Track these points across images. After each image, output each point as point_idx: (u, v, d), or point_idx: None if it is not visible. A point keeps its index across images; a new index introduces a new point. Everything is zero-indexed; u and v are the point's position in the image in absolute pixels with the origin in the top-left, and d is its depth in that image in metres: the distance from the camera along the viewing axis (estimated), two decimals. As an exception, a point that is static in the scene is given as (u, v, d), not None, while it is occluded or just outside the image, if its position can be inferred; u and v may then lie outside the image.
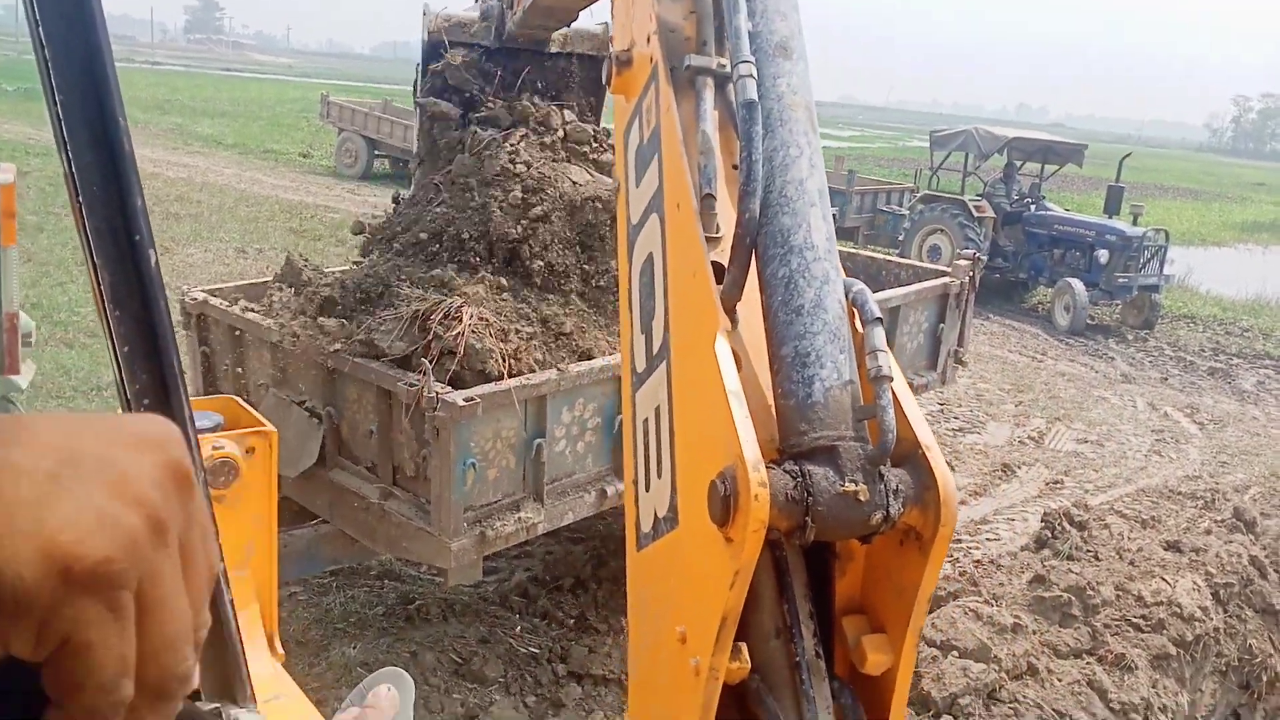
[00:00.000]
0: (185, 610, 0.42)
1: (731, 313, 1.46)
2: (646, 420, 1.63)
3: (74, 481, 0.39)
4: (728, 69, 1.58)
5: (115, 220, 0.84)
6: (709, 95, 1.57)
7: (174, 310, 5.81)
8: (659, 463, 1.55)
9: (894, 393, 1.30)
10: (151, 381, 0.89)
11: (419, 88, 4.59)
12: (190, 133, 25.71)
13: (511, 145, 4.20)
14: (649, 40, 1.73)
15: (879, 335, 1.33)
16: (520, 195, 4.01)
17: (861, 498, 1.24)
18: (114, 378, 0.90)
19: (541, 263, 3.98)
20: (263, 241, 12.24)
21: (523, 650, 4.25)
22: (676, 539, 1.46)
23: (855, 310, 1.40)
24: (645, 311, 1.66)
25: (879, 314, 1.37)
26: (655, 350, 1.61)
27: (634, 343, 1.71)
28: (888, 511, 1.26)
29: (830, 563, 1.41)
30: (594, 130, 4.60)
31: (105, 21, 0.79)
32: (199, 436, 0.95)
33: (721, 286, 1.43)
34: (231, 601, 1.06)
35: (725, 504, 1.23)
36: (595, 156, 4.48)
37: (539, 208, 4.01)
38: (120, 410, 0.95)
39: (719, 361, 1.34)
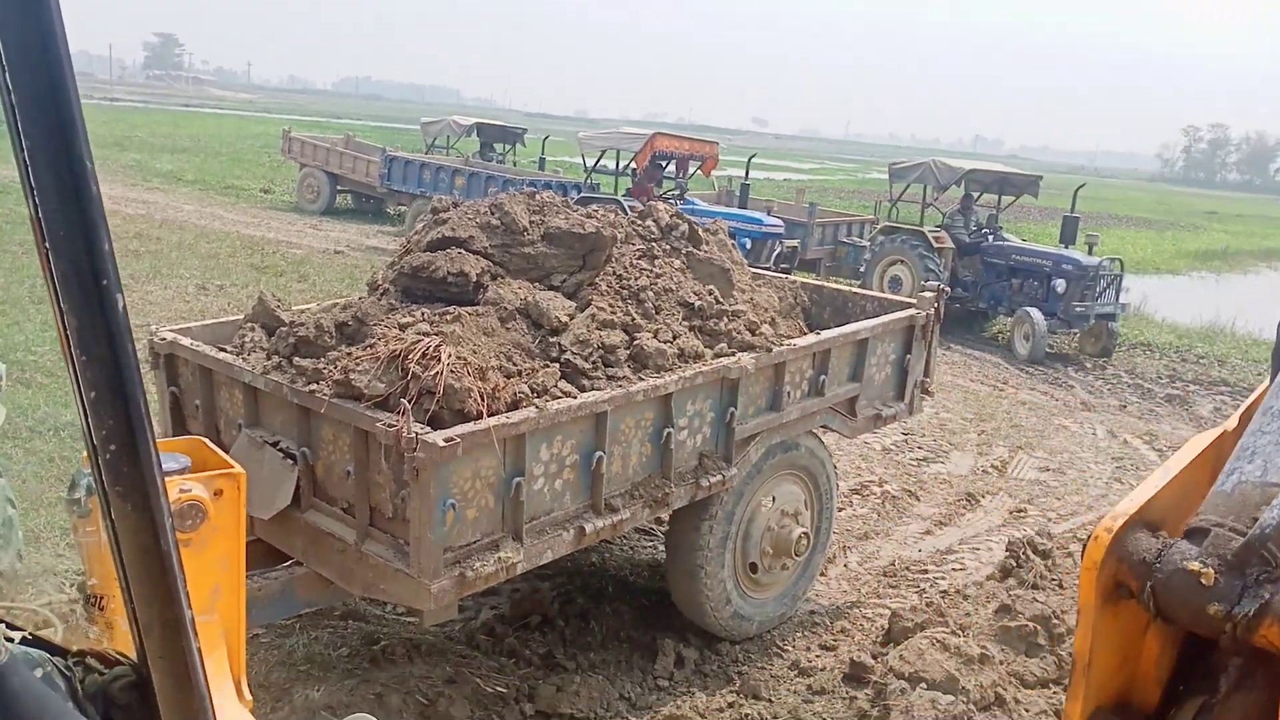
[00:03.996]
0: None
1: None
2: None
3: None
4: None
5: (82, 264, 0.84)
6: None
7: (140, 349, 5.72)
8: None
9: None
10: (118, 426, 0.89)
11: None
12: (150, 169, 25.53)
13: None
14: None
15: None
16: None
17: (1205, 581, 1.20)
18: (80, 422, 0.89)
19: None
20: (224, 278, 12.14)
21: (490, 690, 4.20)
22: None
23: None
24: None
25: None
26: None
27: None
28: (1231, 608, 1.17)
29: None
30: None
31: (72, 66, 0.79)
32: (165, 479, 0.94)
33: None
34: (198, 648, 1.05)
35: (1084, 545, 1.29)
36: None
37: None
38: (86, 454, 0.94)
39: (1185, 446, 1.41)
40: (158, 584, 0.98)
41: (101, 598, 1.54)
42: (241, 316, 4.31)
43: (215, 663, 1.80)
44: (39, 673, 1.10)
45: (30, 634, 1.25)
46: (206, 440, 2.05)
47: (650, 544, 5.87)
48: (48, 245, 0.84)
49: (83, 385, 0.88)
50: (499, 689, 4.21)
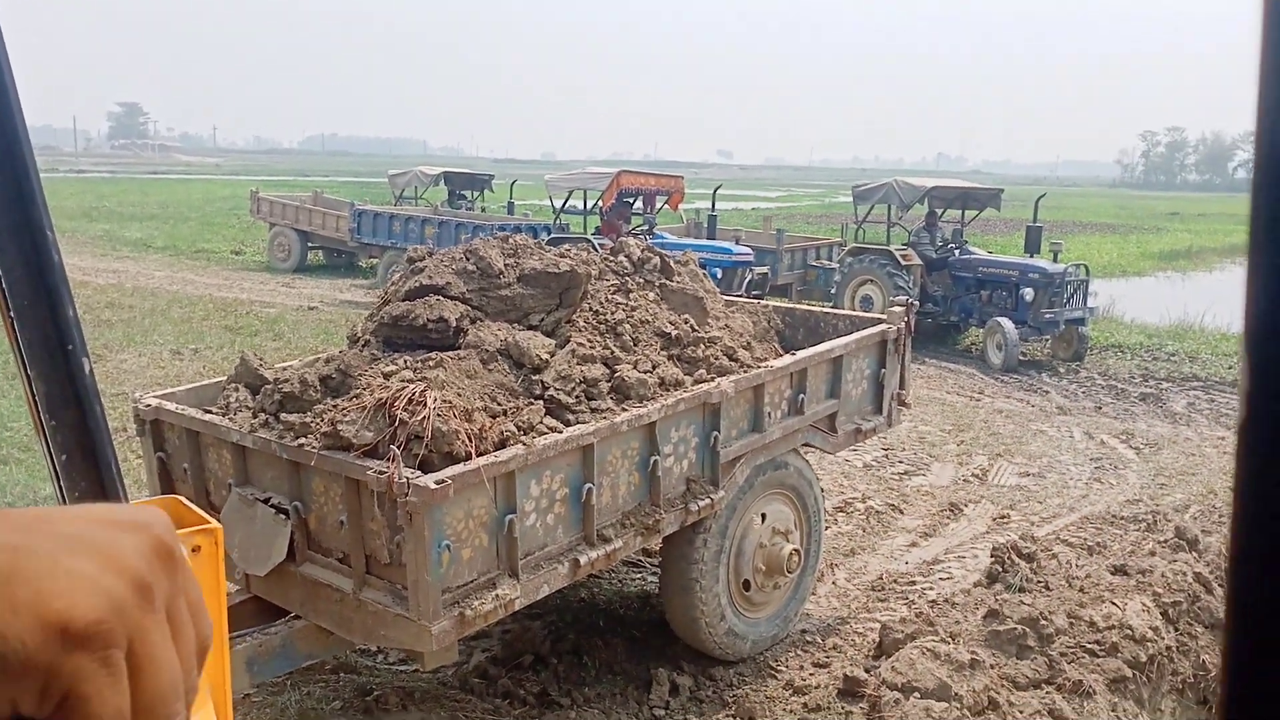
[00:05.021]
0: (175, 667, 0.47)
1: None
2: None
3: (69, 557, 0.45)
4: None
5: (48, 332, 0.87)
6: None
7: (124, 416, 5.66)
8: None
9: None
10: (90, 488, 0.91)
11: None
12: (119, 238, 25.46)
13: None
14: None
15: None
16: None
17: None
18: (52, 487, 0.91)
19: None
20: (198, 341, 12.12)
21: (486, 732, 4.19)
22: None
23: None
24: None
25: None
26: None
27: None
28: None
29: None
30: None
31: (29, 136, 0.82)
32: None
33: None
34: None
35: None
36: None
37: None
38: None
39: None
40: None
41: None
42: (224, 378, 4.33)
43: None
44: None
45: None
46: (182, 498, 2.07)
47: (639, 576, 5.89)
48: (13, 315, 0.86)
49: (53, 449, 0.90)
50: (495, 730, 4.20)
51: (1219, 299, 18.07)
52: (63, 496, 0.93)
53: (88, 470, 0.92)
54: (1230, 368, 12.98)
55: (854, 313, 6.35)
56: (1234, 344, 14.51)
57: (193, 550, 1.87)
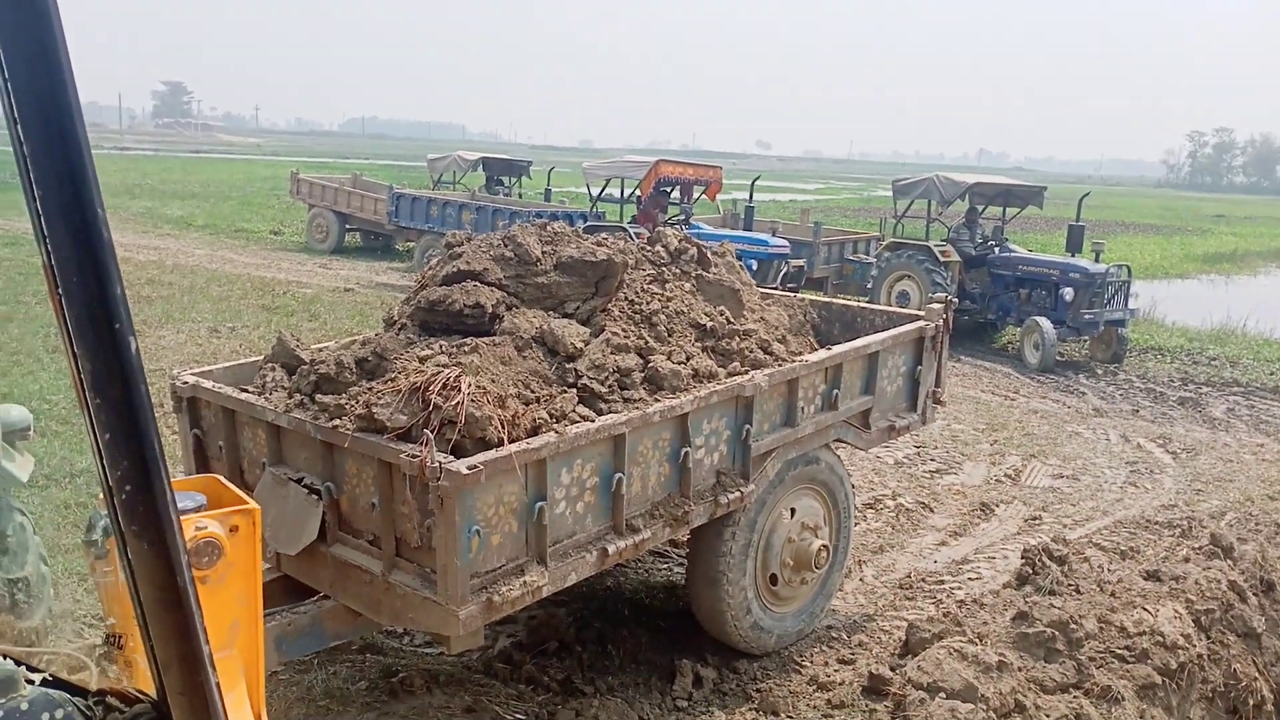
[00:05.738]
0: None
1: None
2: None
3: None
4: None
5: (95, 309, 0.87)
6: None
7: (161, 393, 5.74)
8: None
9: None
10: (133, 467, 0.91)
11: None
12: (161, 215, 25.80)
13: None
14: None
15: None
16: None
17: None
18: (95, 465, 0.92)
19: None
20: (235, 320, 12.26)
21: (509, 718, 4.22)
22: None
23: None
24: None
25: None
26: None
27: None
28: None
29: None
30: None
31: (82, 115, 0.83)
32: (181, 518, 0.97)
33: None
34: (218, 684, 1.07)
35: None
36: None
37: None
38: (102, 495, 0.96)
39: None
40: (175, 621, 1.00)
41: (121, 636, 1.57)
42: (261, 358, 4.37)
43: (235, 699, 1.82)
44: (60, 714, 1.13)
45: (51, 675, 1.28)
46: (221, 478, 2.09)
47: (665, 566, 5.90)
48: (61, 291, 0.86)
49: (97, 428, 0.90)
50: (518, 716, 4.23)
51: (1263, 303, 17.77)
52: (105, 475, 0.94)
53: (131, 449, 0.92)
54: (1272, 374, 12.77)
55: (892, 309, 6.29)
56: (1276, 349, 14.26)
57: (231, 530, 1.89)
